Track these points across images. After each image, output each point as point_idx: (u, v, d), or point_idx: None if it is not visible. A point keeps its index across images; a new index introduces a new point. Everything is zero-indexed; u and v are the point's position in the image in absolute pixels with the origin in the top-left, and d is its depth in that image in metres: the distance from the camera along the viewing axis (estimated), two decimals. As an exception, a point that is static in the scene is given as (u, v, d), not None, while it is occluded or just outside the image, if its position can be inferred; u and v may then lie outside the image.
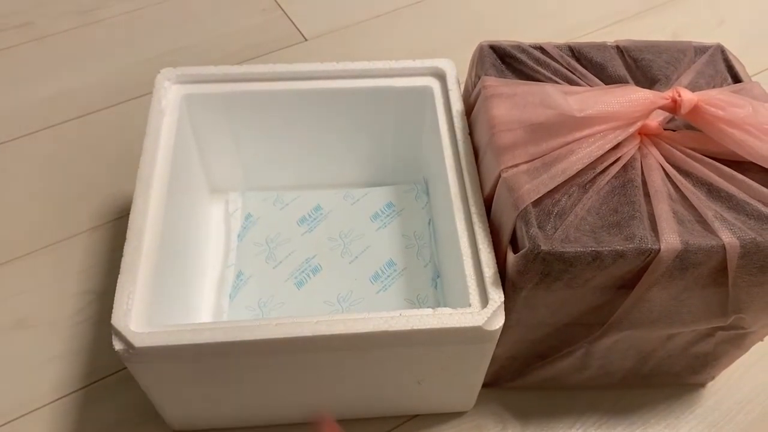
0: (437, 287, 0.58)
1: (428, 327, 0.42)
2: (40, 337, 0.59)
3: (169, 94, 0.56)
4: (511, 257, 0.43)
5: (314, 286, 0.58)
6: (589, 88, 0.49)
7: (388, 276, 0.58)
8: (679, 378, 0.56)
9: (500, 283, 0.45)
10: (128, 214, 0.48)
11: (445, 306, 0.54)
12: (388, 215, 0.63)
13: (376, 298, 0.57)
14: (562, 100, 0.44)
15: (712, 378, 0.57)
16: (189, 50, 0.84)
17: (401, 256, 0.60)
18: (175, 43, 0.85)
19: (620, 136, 0.45)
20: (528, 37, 0.86)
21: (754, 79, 0.52)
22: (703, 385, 0.58)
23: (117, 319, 0.43)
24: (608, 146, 0.45)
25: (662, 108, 0.45)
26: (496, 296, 0.44)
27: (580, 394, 0.57)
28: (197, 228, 0.60)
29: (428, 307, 0.44)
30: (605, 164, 0.45)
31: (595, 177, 0.45)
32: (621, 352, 0.51)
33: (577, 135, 0.45)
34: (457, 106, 0.55)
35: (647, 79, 0.51)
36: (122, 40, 0.85)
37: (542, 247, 0.41)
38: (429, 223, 0.62)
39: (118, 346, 0.42)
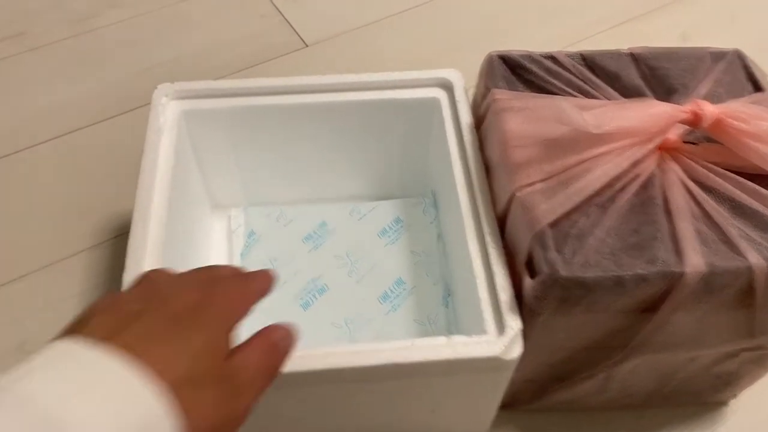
0: (448, 306, 0.56)
1: (443, 358, 0.40)
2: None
3: (167, 111, 0.54)
4: (528, 282, 0.41)
5: (321, 307, 0.56)
6: (605, 102, 0.47)
7: (398, 295, 0.56)
8: (700, 397, 0.54)
9: (517, 309, 0.43)
10: (128, 232, 0.47)
11: (456, 327, 0.52)
12: (395, 231, 0.61)
13: (386, 319, 0.55)
14: (577, 116, 0.42)
15: (734, 396, 0.55)
16: (187, 59, 0.82)
17: (410, 274, 0.58)
18: (172, 51, 0.83)
19: (639, 152, 0.43)
20: (532, 39, 0.84)
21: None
22: (725, 403, 0.56)
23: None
24: (626, 163, 0.43)
25: (682, 122, 0.43)
26: (513, 323, 0.42)
27: (598, 415, 0.55)
28: (199, 246, 0.58)
29: (439, 328, 0.42)
30: (623, 182, 0.43)
31: (613, 196, 0.43)
32: (642, 375, 0.49)
33: (594, 152, 0.42)
34: (466, 118, 0.53)
35: (664, 89, 0.49)
36: (117, 49, 0.83)
37: (561, 273, 0.39)
38: (438, 239, 0.60)
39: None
